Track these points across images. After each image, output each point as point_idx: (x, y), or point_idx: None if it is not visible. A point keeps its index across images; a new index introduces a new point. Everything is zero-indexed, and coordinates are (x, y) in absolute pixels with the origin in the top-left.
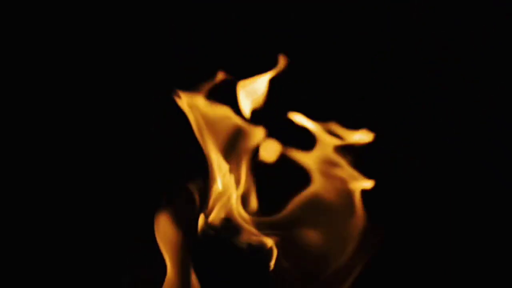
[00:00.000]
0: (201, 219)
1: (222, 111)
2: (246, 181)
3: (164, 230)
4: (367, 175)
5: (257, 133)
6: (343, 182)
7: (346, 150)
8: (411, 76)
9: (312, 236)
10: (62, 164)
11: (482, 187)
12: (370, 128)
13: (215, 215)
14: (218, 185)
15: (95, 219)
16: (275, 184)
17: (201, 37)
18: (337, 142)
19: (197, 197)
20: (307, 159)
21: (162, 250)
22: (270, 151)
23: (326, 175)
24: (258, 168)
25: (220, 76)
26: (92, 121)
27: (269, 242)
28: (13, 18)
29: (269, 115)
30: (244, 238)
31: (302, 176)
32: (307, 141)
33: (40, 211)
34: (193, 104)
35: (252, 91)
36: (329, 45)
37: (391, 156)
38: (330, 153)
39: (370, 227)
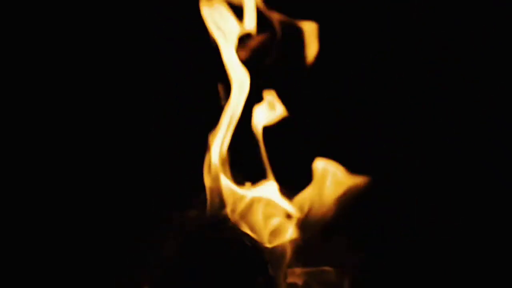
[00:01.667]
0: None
1: None
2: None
3: None
4: (367, 175)
5: None
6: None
7: None
8: (411, 76)
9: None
10: (62, 164)
11: (482, 187)
12: (371, 128)
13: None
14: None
15: (95, 219)
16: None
17: (201, 37)
18: None
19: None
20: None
21: None
22: None
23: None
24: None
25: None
26: (92, 121)
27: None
28: (13, 18)
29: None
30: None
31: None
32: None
33: (40, 211)
34: None
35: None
36: (329, 45)
37: (391, 156)
38: None
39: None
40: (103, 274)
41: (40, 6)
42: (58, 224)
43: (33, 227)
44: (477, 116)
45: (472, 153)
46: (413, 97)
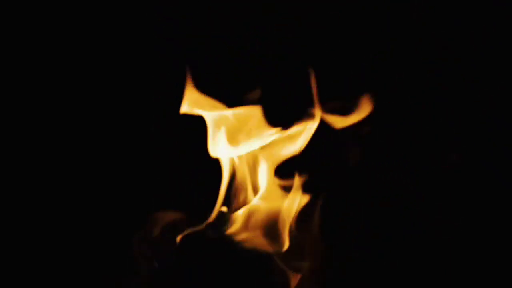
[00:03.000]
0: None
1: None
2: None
3: None
4: (366, 175)
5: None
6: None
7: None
8: (411, 76)
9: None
10: (62, 164)
11: (482, 187)
12: (370, 128)
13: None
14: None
15: (94, 219)
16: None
17: (201, 37)
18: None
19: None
20: None
21: None
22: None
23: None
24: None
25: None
26: (93, 121)
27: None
28: (13, 18)
29: (269, 115)
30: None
31: None
32: None
33: (40, 212)
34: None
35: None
36: (329, 45)
37: (392, 155)
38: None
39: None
40: (102, 274)
41: (40, 6)
42: (58, 224)
43: (34, 228)
44: (477, 116)
45: (472, 153)
46: (413, 97)
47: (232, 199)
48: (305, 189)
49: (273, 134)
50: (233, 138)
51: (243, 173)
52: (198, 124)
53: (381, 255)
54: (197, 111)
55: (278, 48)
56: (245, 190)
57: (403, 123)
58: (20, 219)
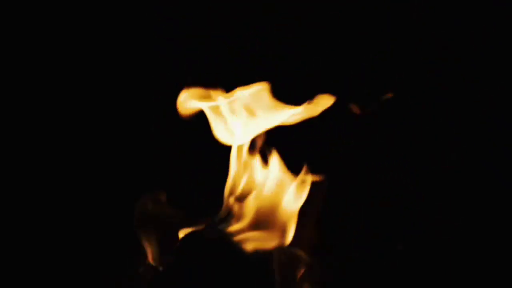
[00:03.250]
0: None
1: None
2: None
3: None
4: (366, 174)
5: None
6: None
7: None
8: (411, 76)
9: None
10: (62, 164)
11: (482, 187)
12: (370, 129)
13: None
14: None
15: (94, 219)
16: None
17: (201, 37)
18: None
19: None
20: None
21: None
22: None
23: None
24: None
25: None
26: (92, 121)
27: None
28: (13, 18)
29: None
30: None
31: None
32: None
33: (40, 211)
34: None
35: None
36: (329, 45)
37: (392, 155)
38: None
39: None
40: (102, 274)
41: (39, 6)
42: (58, 224)
43: (34, 228)
44: (477, 116)
45: (472, 153)
46: (413, 97)
47: (236, 191)
48: (311, 184)
49: (287, 113)
50: (242, 120)
51: (247, 163)
52: (198, 124)
53: (381, 255)
54: (195, 104)
55: (278, 48)
56: (250, 181)
57: (403, 123)
58: (18, 220)
